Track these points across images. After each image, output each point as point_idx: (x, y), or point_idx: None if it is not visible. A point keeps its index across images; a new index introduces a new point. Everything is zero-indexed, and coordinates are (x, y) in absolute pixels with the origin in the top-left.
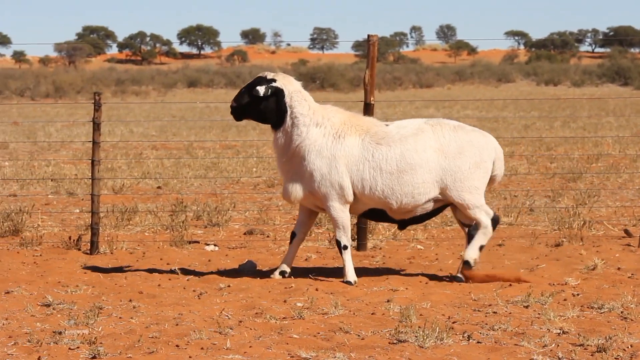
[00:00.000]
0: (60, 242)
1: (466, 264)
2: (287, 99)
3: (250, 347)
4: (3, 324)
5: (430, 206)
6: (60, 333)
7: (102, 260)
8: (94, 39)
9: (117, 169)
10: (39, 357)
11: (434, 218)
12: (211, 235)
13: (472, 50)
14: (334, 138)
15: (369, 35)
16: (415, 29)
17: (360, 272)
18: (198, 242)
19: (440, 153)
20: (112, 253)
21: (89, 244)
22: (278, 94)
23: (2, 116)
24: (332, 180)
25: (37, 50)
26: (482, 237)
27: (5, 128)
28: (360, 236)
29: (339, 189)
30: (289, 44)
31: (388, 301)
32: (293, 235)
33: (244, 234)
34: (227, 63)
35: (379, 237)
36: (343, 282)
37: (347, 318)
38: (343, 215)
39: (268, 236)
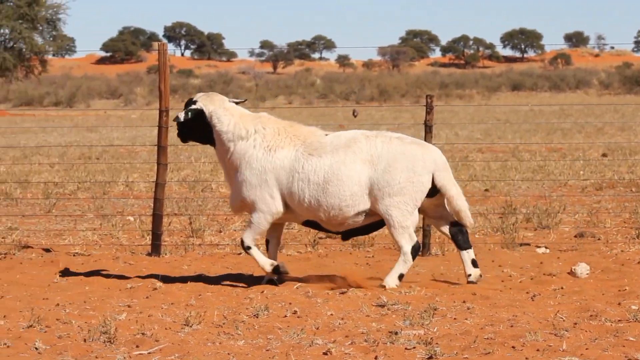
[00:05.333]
0: (391, 244)
1: (382, 287)
2: (208, 119)
3: (586, 349)
4: (339, 324)
5: (363, 219)
6: (396, 333)
7: (434, 261)
8: (417, 42)
9: None
10: (376, 356)
11: None
12: (541, 237)
13: None
14: (264, 150)
15: None
16: None
17: None
18: (529, 244)
19: (370, 165)
20: (443, 255)
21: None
22: (199, 115)
23: (329, 119)
24: (262, 191)
25: (361, 54)
26: (402, 266)
27: (334, 131)
28: None
29: (268, 198)
30: (612, 47)
31: None
32: (267, 242)
33: (575, 236)
34: (551, 66)
35: None
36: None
37: None
38: (265, 223)
39: (599, 239)
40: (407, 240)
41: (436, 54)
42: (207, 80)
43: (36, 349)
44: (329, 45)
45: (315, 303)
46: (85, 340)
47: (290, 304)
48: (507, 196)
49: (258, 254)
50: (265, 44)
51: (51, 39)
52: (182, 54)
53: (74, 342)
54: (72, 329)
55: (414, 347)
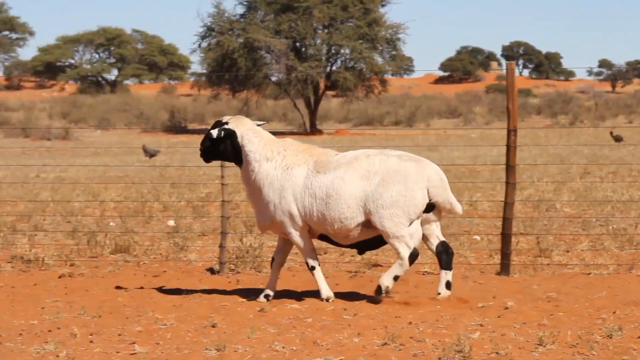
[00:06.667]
0: None
1: (378, 289)
2: (239, 139)
3: None
4: None
5: (366, 232)
6: None
7: None
8: None
9: None
10: None
11: None
12: None
13: None
14: (283, 170)
15: None
16: None
17: None
18: None
19: (366, 180)
20: None
21: None
22: (231, 135)
23: None
24: (283, 209)
25: None
26: (398, 268)
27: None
28: None
29: (290, 217)
30: None
31: None
32: (273, 260)
33: None
34: None
35: None
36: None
37: None
38: (300, 239)
39: None
40: (404, 247)
41: None
42: (546, 100)
43: None
44: None
45: None
46: (439, 359)
47: None
48: None
49: (321, 279)
50: (603, 63)
51: (391, 58)
52: (520, 73)
53: None
54: (427, 347)
55: None
